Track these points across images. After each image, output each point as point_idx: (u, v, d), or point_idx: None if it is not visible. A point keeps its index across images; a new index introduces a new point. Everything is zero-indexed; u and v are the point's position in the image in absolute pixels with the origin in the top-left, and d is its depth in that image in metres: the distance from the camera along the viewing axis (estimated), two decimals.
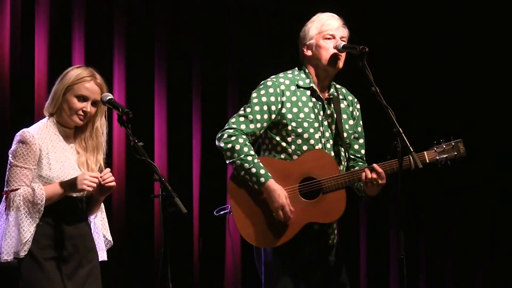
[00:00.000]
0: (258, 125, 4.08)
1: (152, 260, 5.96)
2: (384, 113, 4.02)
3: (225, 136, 4.08)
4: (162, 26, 6.15)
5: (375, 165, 4.01)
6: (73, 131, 3.77)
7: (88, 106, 3.73)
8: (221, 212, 4.24)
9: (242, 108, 4.13)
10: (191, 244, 6.13)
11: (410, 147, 3.86)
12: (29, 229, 3.59)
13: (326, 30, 4.13)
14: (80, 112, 3.73)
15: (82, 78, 3.72)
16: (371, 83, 3.96)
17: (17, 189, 3.60)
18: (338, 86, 4.27)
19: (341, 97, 4.24)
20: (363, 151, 4.26)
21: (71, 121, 3.74)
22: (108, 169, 3.73)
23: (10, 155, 3.66)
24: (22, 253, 3.59)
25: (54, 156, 3.66)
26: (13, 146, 3.66)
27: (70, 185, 3.65)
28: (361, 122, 4.29)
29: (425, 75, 6.23)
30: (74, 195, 3.71)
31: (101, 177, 3.68)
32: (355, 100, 4.30)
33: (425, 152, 4.09)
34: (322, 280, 4.14)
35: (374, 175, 3.99)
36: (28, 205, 3.59)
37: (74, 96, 3.72)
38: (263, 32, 6.27)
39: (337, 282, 4.15)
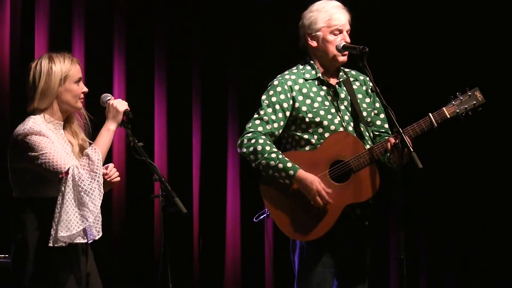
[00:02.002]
0: (275, 125, 4.09)
1: (152, 260, 5.96)
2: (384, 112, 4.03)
3: (245, 141, 4.07)
4: (162, 26, 6.15)
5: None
6: (63, 123, 3.76)
7: (84, 86, 3.77)
8: (261, 217, 4.24)
9: (256, 113, 4.13)
10: (191, 244, 6.13)
11: (411, 147, 3.85)
12: (96, 204, 3.54)
13: (335, 25, 4.11)
14: (82, 96, 3.75)
15: (71, 63, 3.72)
16: (371, 83, 3.96)
17: (68, 168, 3.54)
18: (346, 69, 4.25)
19: (351, 79, 4.22)
20: (386, 126, 4.23)
21: (75, 108, 3.75)
22: (112, 164, 3.72)
23: (29, 154, 3.56)
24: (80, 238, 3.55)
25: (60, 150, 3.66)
26: (24, 141, 3.57)
27: (111, 119, 3.67)
28: (377, 98, 4.22)
29: (423, 75, 6.23)
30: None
31: (106, 173, 3.67)
32: (367, 78, 4.24)
33: (444, 108, 4.04)
34: (357, 268, 4.15)
35: (398, 141, 3.92)
36: (89, 172, 3.53)
37: (74, 82, 3.72)
38: (263, 31, 6.26)
39: (364, 272, 4.17)
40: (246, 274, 6.19)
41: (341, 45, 4.11)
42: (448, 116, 4.02)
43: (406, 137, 3.89)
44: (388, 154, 4.04)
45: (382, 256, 6.29)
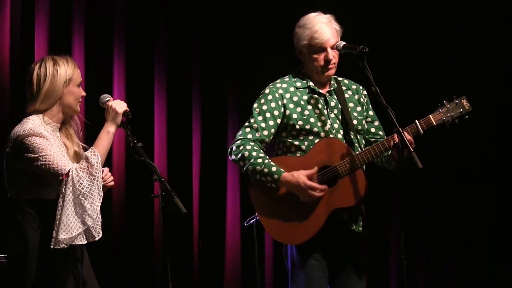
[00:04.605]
0: (265, 132, 4.12)
1: (152, 260, 5.96)
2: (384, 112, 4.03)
3: (234, 148, 4.12)
4: (162, 27, 6.15)
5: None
6: (59, 126, 3.76)
7: (82, 90, 3.79)
8: (250, 222, 4.24)
9: (246, 121, 4.18)
10: (191, 244, 6.14)
11: (410, 147, 3.86)
12: (94, 207, 3.56)
13: (317, 43, 4.12)
14: (80, 99, 3.77)
15: (74, 67, 3.75)
16: (371, 83, 3.96)
17: (68, 170, 3.55)
18: (339, 78, 4.29)
19: (344, 88, 4.26)
20: (381, 132, 4.27)
21: (75, 111, 3.77)
22: (107, 169, 3.73)
23: (29, 155, 3.57)
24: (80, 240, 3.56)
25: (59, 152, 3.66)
26: (24, 142, 3.57)
27: (111, 121, 3.68)
28: (371, 106, 4.28)
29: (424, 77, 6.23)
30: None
31: (102, 177, 3.67)
32: (360, 87, 4.30)
33: (430, 115, 4.08)
34: (349, 273, 4.13)
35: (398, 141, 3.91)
36: (88, 175, 3.55)
37: (76, 85, 3.75)
38: (263, 32, 6.26)
39: (362, 272, 4.16)
40: (246, 274, 6.19)
41: (341, 45, 4.12)
42: (435, 124, 4.08)
43: (402, 139, 3.90)
44: (390, 152, 4.06)
45: (382, 256, 6.30)
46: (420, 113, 4.14)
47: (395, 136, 3.97)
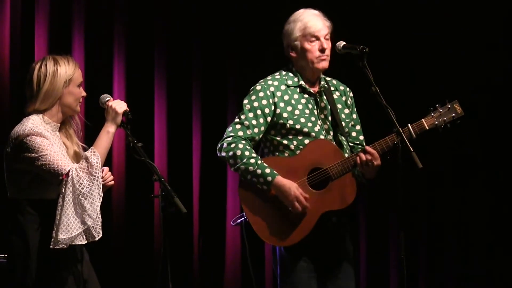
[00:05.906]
0: (256, 130, 4.10)
1: (152, 260, 5.96)
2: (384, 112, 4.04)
3: (225, 145, 4.10)
4: (162, 26, 6.15)
5: (367, 147, 4.02)
6: (59, 125, 3.76)
7: (83, 91, 3.78)
8: (238, 221, 4.24)
9: (237, 117, 4.15)
10: (191, 244, 6.14)
11: (410, 147, 3.87)
12: (94, 207, 3.55)
13: (310, 33, 4.12)
14: (81, 100, 3.77)
15: (75, 67, 3.75)
16: (371, 83, 3.96)
17: (68, 170, 3.56)
18: (328, 78, 4.28)
19: (332, 88, 4.25)
20: (361, 137, 4.27)
21: (74, 111, 3.77)
22: (106, 168, 3.72)
23: (29, 155, 3.57)
24: (79, 240, 3.55)
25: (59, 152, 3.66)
26: (24, 142, 3.57)
27: (111, 121, 3.68)
28: (355, 109, 4.30)
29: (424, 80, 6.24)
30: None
31: (102, 177, 3.67)
32: (347, 89, 4.31)
33: (423, 120, 4.08)
34: (338, 276, 4.13)
35: (368, 157, 4.00)
36: (88, 175, 3.55)
37: (76, 86, 3.74)
38: (263, 32, 6.27)
39: (350, 275, 4.15)
40: (246, 274, 6.19)
41: (341, 45, 4.12)
42: (427, 128, 4.09)
43: (401, 139, 3.92)
44: (357, 168, 4.08)
45: (382, 256, 6.30)
46: (420, 113, 4.14)
47: (360, 153, 4.01)
